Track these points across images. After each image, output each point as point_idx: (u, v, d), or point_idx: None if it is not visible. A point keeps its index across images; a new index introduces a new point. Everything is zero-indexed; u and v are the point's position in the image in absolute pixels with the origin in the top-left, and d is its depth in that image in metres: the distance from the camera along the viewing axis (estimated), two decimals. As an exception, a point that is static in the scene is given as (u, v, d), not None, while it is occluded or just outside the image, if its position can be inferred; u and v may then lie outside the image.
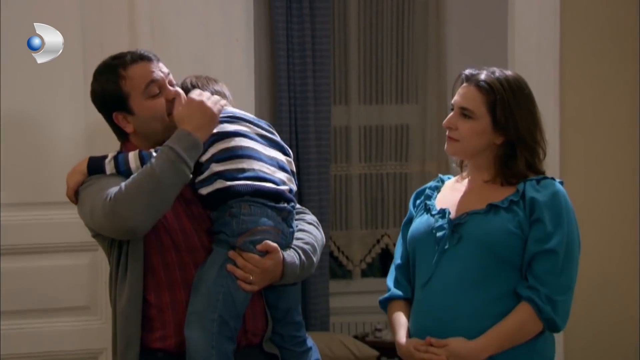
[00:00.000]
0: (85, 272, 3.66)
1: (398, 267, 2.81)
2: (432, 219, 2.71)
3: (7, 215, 3.58)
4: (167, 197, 2.59)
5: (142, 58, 2.71)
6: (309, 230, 2.83)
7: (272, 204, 2.70)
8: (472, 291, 2.60)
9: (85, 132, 3.61)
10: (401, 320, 2.74)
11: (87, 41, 3.58)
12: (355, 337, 5.47)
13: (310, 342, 2.84)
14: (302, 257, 2.74)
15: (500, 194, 2.66)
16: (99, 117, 2.79)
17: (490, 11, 5.08)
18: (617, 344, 4.05)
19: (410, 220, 2.82)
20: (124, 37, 3.61)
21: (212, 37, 3.70)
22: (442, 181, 2.84)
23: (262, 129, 2.82)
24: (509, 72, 2.69)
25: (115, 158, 2.65)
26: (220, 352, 2.61)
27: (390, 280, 2.82)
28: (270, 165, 2.75)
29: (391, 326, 2.78)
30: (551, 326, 2.61)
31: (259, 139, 2.78)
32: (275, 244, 2.67)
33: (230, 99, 2.94)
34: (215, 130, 2.71)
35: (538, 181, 2.65)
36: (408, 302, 2.77)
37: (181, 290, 2.67)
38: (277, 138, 2.85)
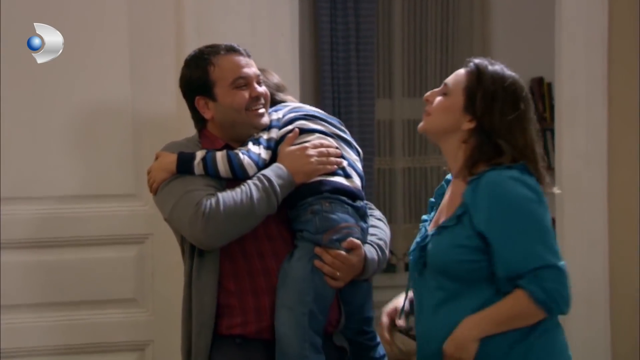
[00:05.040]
0: (132, 265, 3.69)
1: None
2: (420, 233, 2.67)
3: (65, 208, 3.63)
4: (253, 224, 2.71)
5: (234, 50, 2.82)
6: (380, 227, 2.91)
7: (350, 201, 2.76)
8: (443, 315, 2.54)
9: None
10: (399, 299, 2.78)
11: (133, 39, 3.62)
12: (400, 331, 5.45)
13: (378, 337, 2.91)
14: (379, 252, 2.83)
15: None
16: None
17: (536, 5, 5.04)
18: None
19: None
20: (171, 33, 3.64)
21: (257, 32, 3.72)
22: (448, 181, 2.76)
23: (336, 127, 2.89)
24: (509, 72, 2.56)
25: (204, 160, 2.72)
26: (312, 346, 2.69)
27: None
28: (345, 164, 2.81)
29: None
30: (545, 308, 2.43)
31: (334, 137, 2.85)
32: (358, 241, 2.75)
33: (288, 89, 2.99)
34: (291, 127, 2.80)
35: (480, 177, 2.52)
36: None
37: (261, 277, 2.74)
38: (349, 137, 2.91)
